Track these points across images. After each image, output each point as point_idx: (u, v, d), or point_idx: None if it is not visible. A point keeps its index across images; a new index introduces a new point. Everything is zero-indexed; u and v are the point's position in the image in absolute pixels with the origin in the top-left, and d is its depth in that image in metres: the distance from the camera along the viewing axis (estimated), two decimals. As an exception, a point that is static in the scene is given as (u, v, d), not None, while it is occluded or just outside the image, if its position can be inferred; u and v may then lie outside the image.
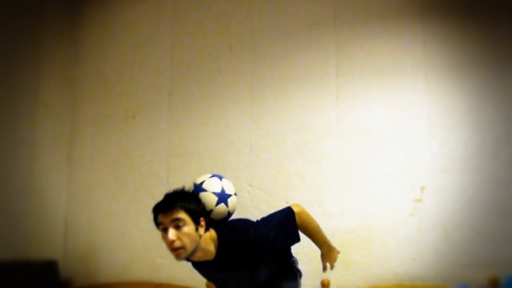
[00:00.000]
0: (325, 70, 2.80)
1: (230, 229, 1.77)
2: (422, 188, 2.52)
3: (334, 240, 2.55)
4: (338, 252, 1.99)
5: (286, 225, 1.75)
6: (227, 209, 1.82)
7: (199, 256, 1.71)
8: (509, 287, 2.23)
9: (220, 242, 1.72)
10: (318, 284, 2.56)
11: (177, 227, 1.62)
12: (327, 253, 1.95)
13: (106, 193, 3.14)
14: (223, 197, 1.81)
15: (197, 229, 1.66)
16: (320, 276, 2.51)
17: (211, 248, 1.72)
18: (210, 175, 1.88)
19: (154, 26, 3.23)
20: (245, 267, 1.80)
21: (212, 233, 1.73)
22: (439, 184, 2.50)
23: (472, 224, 2.42)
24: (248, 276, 1.83)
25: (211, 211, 1.78)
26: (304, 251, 2.46)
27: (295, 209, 1.79)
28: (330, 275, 2.57)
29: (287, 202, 2.60)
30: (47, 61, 3.16)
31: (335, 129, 2.72)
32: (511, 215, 2.37)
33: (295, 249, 1.99)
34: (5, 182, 2.79)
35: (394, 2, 2.74)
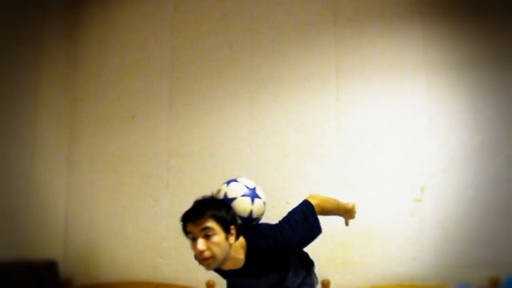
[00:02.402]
0: (325, 70, 2.80)
1: (258, 234, 1.70)
2: (422, 188, 2.52)
3: (334, 240, 2.58)
4: (354, 205, 2.03)
5: (308, 219, 1.74)
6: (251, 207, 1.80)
7: (229, 265, 1.65)
8: (509, 287, 2.23)
9: (249, 248, 1.67)
10: (318, 284, 2.55)
11: (207, 237, 1.57)
12: (346, 214, 2.03)
13: (106, 193, 3.13)
14: (252, 194, 1.83)
15: (227, 238, 1.60)
16: (320, 276, 2.50)
17: (241, 256, 1.66)
18: (226, 183, 1.86)
19: (154, 26, 3.23)
20: (274, 272, 1.77)
21: (241, 240, 1.67)
22: (439, 184, 2.50)
23: (472, 224, 2.42)
24: (277, 282, 1.80)
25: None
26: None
27: (313, 202, 1.78)
28: (330, 275, 2.58)
29: (287, 203, 2.60)
30: (47, 61, 3.17)
31: (335, 129, 2.72)
32: (511, 215, 2.37)
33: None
34: (6, 182, 2.79)
35: (394, 2, 2.74)
